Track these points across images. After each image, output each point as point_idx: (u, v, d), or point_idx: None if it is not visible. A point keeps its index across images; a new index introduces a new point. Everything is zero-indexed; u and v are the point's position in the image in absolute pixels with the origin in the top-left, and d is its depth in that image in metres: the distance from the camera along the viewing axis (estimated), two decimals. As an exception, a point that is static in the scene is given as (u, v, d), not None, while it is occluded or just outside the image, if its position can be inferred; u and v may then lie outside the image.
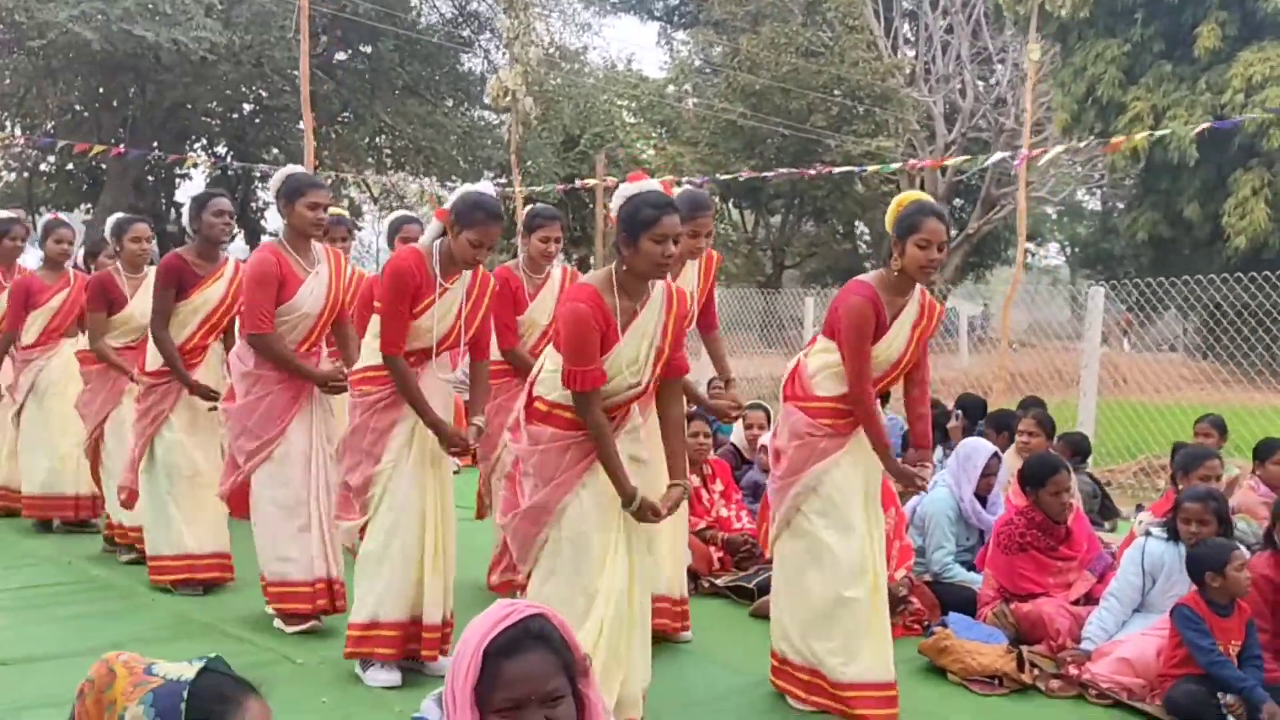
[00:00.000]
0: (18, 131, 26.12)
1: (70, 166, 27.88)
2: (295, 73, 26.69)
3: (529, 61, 15.82)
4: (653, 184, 4.05)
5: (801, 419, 4.45)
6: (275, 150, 27.16)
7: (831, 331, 4.48)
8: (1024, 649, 5.06)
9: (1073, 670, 4.91)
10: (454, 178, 26.00)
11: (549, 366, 4.04)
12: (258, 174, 25.41)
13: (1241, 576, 4.54)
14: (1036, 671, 4.97)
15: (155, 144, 25.56)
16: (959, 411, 7.59)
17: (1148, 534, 5.13)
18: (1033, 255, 38.23)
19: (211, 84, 24.23)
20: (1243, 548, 4.69)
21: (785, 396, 4.59)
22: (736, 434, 7.54)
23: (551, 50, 26.90)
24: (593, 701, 2.14)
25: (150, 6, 20.67)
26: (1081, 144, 16.32)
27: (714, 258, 5.43)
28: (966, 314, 20.27)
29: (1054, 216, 37.41)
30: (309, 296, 5.22)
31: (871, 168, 12.44)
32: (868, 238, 29.80)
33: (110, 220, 6.75)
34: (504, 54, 18.64)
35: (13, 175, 28.42)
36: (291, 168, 5.56)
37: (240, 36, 21.41)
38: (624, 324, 3.93)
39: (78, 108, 25.92)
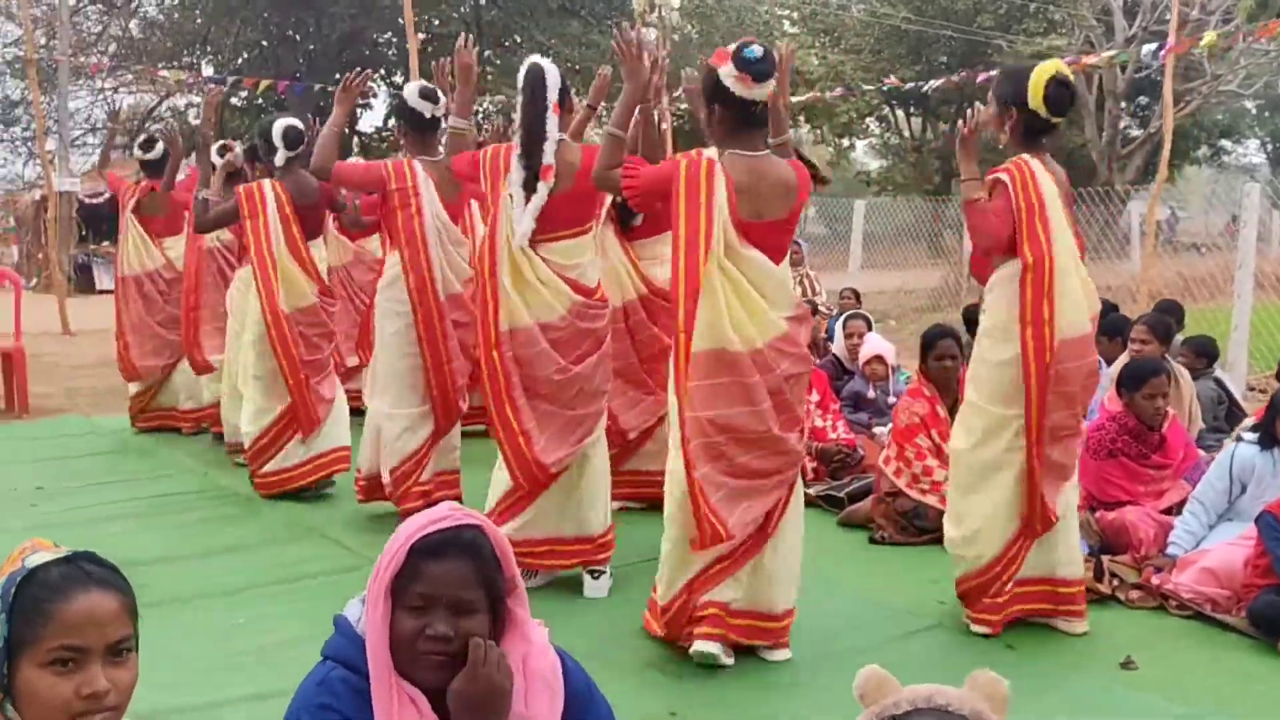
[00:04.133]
0: (210, 70, 27.40)
1: (260, 100, 29.17)
2: (460, -1, 27.40)
3: (674, -25, 15.64)
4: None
5: None
6: (450, 77, 27.66)
7: None
8: (1105, 558, 4.92)
9: (1153, 580, 4.75)
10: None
11: None
12: (436, 101, 26.04)
13: None
14: (1116, 582, 4.82)
15: (337, 76, 26.44)
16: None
17: (1239, 439, 4.88)
18: (1228, 154, 35.76)
19: (378, 14, 24.85)
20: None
21: None
22: (838, 344, 7.44)
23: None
24: (519, 620, 2.14)
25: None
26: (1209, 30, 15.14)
27: None
28: (1138, 214, 19.21)
29: (1253, 111, 34.84)
30: None
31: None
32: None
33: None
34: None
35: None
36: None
37: (400, -35, 21.86)
38: None
39: (264, 43, 26.98)
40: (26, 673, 1.75)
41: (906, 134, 31.03)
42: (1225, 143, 33.81)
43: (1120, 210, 16.95)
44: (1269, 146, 39.27)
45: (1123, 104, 24.53)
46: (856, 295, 10.07)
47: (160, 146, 7.88)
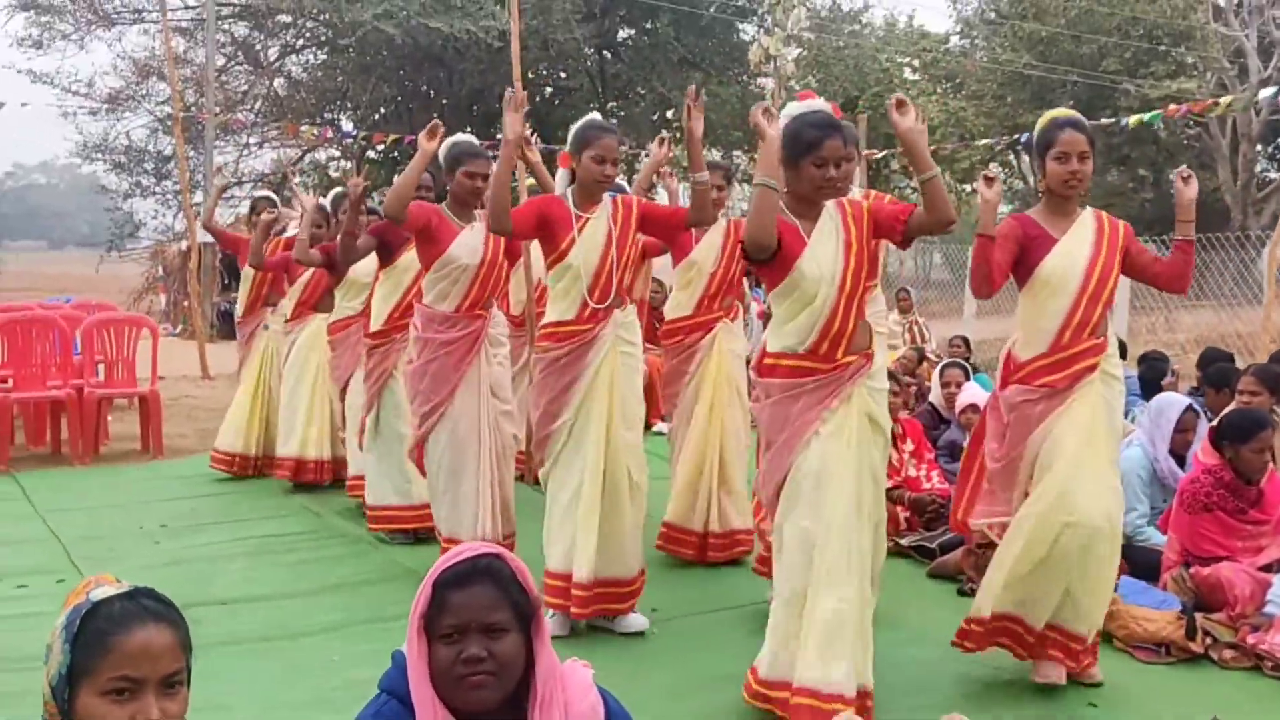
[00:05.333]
0: (349, 125, 28.51)
1: (395, 154, 30.20)
2: (589, 50, 28.00)
3: (791, 26, 15.72)
4: (819, 104, 4.03)
5: (1015, 390, 4.28)
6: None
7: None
8: (1199, 616, 4.80)
9: (1249, 639, 4.63)
10: (744, 149, 26.30)
11: (772, 320, 4.07)
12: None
13: None
14: (1209, 640, 4.72)
15: (469, 129, 27.29)
16: (1175, 368, 7.14)
17: (1340, 495, 4.75)
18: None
19: (506, 70, 25.59)
20: None
21: (1000, 385, 4.42)
22: (934, 393, 7.42)
23: (826, 13, 26.56)
24: (541, 655, 2.21)
25: (445, 0, 22.14)
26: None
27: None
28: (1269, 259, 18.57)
29: None
30: (463, 247, 5.49)
31: (1134, 119, 11.57)
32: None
33: None
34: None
35: (349, 163, 31.02)
36: (457, 137, 5.72)
37: (525, 22, 22.53)
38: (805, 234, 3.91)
39: (399, 98, 27.99)
40: (85, 700, 1.88)
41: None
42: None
43: (1256, 256, 16.45)
44: None
45: (1258, 147, 23.79)
46: (966, 343, 10.01)
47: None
